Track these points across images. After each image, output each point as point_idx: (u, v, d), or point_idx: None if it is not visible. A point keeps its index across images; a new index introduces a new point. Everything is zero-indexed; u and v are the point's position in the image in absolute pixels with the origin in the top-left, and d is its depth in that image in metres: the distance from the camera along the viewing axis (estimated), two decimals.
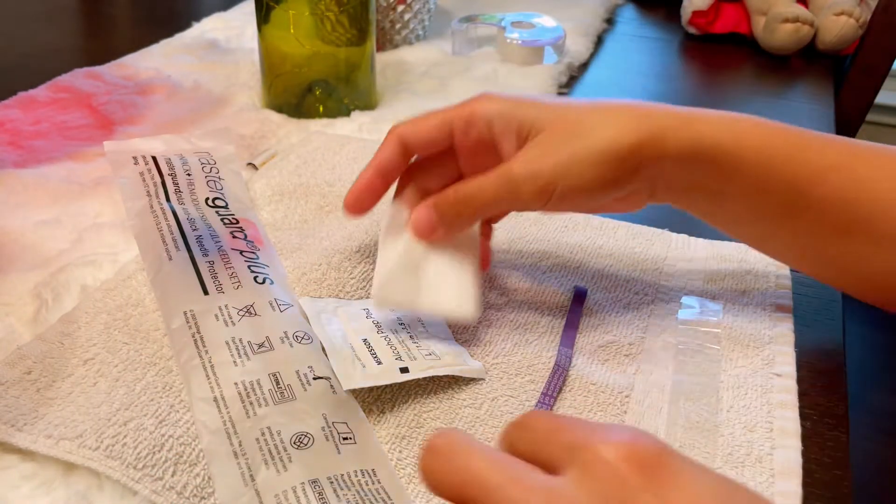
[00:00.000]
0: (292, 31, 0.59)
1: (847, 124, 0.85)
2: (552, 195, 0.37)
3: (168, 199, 0.45)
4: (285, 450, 0.32)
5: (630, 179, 0.37)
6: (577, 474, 0.21)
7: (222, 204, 0.46)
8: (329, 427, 0.33)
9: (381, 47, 0.77)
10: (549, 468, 0.22)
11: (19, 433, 0.32)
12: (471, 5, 0.91)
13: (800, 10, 0.82)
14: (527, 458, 0.23)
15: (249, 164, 0.55)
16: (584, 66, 0.81)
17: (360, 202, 0.40)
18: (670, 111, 0.38)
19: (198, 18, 0.84)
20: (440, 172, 0.41)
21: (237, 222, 0.45)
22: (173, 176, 0.47)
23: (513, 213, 0.52)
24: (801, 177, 0.37)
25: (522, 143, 0.38)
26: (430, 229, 0.39)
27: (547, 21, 0.79)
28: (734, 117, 0.38)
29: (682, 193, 0.40)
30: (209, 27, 0.82)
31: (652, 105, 0.38)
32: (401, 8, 0.75)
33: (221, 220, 0.44)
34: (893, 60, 0.83)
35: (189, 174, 0.47)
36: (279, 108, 0.63)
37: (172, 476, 0.31)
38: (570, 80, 0.77)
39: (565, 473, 0.21)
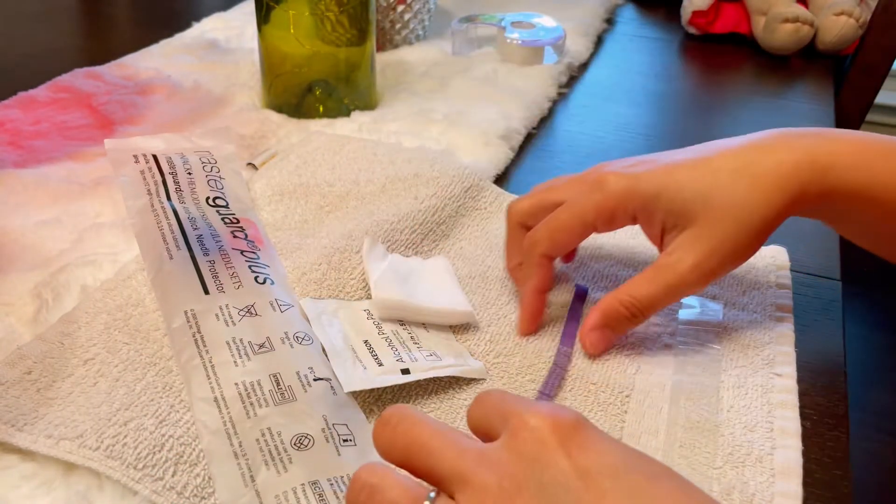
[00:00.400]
0: (292, 31, 0.59)
1: (847, 124, 0.85)
2: (717, 279, 0.39)
3: (169, 198, 0.45)
4: (286, 451, 0.32)
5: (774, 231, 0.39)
6: (505, 438, 0.24)
7: (223, 203, 0.46)
8: (329, 429, 0.33)
9: (381, 47, 0.77)
10: (491, 436, 0.25)
11: (19, 433, 0.32)
12: (471, 5, 0.91)
13: (800, 10, 0.82)
14: (477, 430, 0.26)
15: (249, 164, 0.55)
16: (584, 66, 0.81)
17: (535, 326, 0.42)
18: (806, 159, 0.37)
19: (198, 18, 0.84)
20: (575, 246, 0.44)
21: (238, 222, 0.45)
22: (174, 175, 0.47)
23: None
24: None
25: (669, 229, 0.39)
26: (606, 346, 0.40)
27: (547, 21, 0.79)
28: (870, 153, 0.38)
29: (809, 216, 0.41)
30: (209, 27, 0.82)
31: (786, 153, 0.38)
32: (401, 8, 0.75)
33: (222, 219, 0.44)
34: (893, 60, 0.83)
35: (190, 173, 0.47)
36: (279, 108, 0.63)
37: (173, 476, 0.31)
38: (570, 80, 0.77)
39: (498, 438, 0.25)
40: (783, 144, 0.38)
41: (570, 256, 0.47)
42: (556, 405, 0.25)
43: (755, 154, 0.38)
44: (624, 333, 0.41)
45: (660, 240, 0.40)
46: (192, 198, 0.45)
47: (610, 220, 0.39)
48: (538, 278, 0.41)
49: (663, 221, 0.39)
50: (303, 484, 0.31)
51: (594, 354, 0.40)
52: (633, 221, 0.40)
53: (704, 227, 0.37)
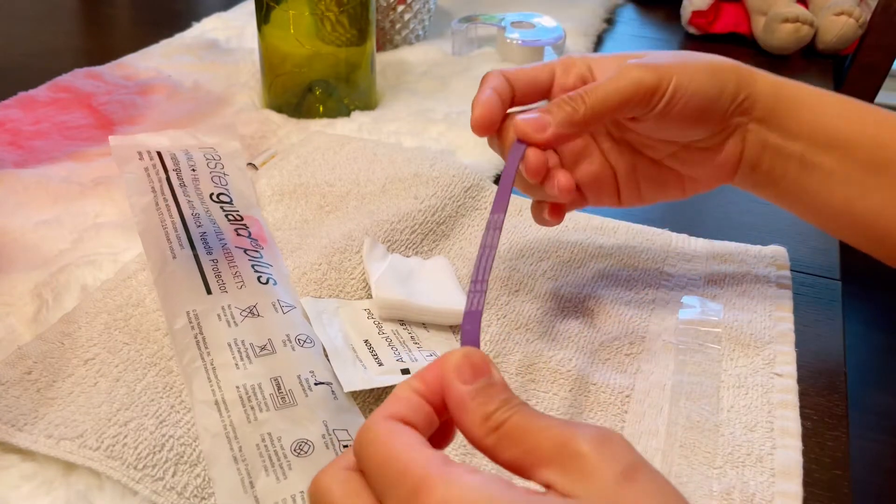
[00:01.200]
0: (292, 31, 0.59)
1: None
2: (666, 90, 0.37)
3: (173, 195, 0.45)
4: (285, 457, 0.32)
5: (729, 104, 0.39)
6: None
7: (227, 200, 0.46)
8: (329, 434, 0.33)
9: (381, 47, 0.77)
10: (376, 494, 0.22)
11: (20, 433, 0.32)
12: (471, 5, 0.91)
13: (800, 10, 0.82)
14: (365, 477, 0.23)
15: (250, 164, 0.55)
16: None
17: (489, 118, 0.38)
18: (742, 68, 0.40)
19: (198, 18, 0.84)
20: (534, 89, 0.41)
21: (241, 219, 0.45)
22: (177, 171, 0.47)
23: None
24: (886, 130, 0.39)
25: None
26: (540, 127, 0.36)
27: (547, 21, 0.79)
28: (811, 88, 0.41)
29: (769, 163, 0.40)
30: (209, 27, 0.82)
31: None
32: (401, 8, 0.75)
33: (226, 216, 0.44)
34: (893, 60, 0.83)
35: (194, 169, 0.47)
36: (279, 108, 0.63)
37: (173, 476, 0.31)
38: None
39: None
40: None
41: (559, 210, 0.41)
42: (439, 482, 0.20)
43: None
44: (560, 126, 0.36)
45: None
46: (197, 193, 0.45)
47: (567, 67, 0.40)
48: (494, 81, 0.38)
49: (617, 65, 0.38)
50: (301, 491, 0.31)
51: (521, 132, 0.36)
52: (590, 73, 0.40)
53: (655, 54, 0.39)
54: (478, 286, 0.30)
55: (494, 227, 0.32)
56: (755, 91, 0.39)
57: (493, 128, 0.38)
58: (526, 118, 0.36)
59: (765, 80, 0.40)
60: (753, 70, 0.40)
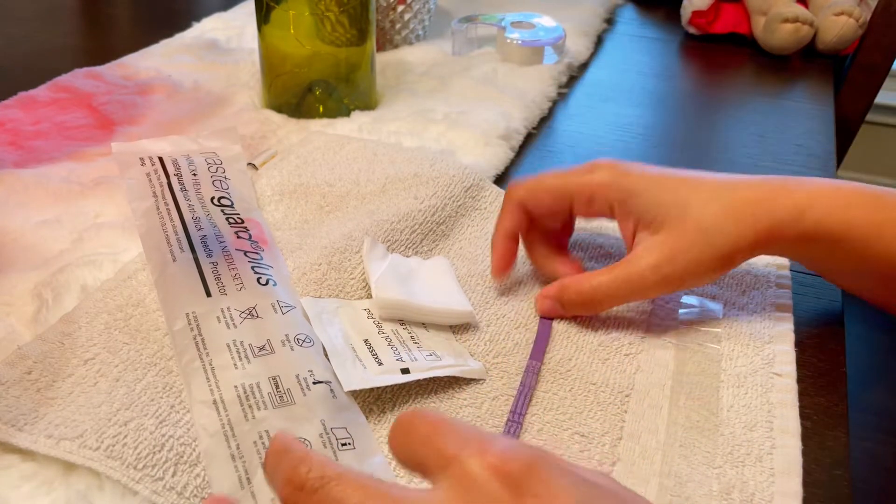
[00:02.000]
0: (292, 31, 0.59)
1: (847, 124, 0.85)
2: (676, 290, 0.41)
3: (174, 199, 0.45)
4: None
5: (741, 262, 0.41)
6: (447, 488, 0.22)
7: (228, 203, 0.46)
8: (327, 433, 0.33)
9: (381, 47, 0.77)
10: (422, 471, 0.23)
11: (20, 433, 0.32)
12: (471, 5, 0.91)
13: (800, 10, 0.82)
14: (405, 461, 0.24)
15: (250, 164, 0.55)
16: (584, 66, 0.81)
17: (504, 268, 0.44)
18: (786, 200, 0.39)
19: (198, 18, 0.84)
20: (554, 213, 0.43)
21: (242, 222, 0.45)
22: (179, 176, 0.47)
23: None
24: None
25: (641, 228, 0.41)
26: (555, 315, 0.42)
27: (547, 21, 0.79)
28: (848, 200, 0.39)
29: (789, 257, 0.44)
30: (209, 27, 0.82)
31: (767, 189, 0.39)
32: (401, 8, 0.75)
33: (227, 219, 0.44)
34: (893, 60, 0.83)
35: (195, 174, 0.47)
36: (279, 108, 0.63)
37: (173, 476, 0.31)
38: (570, 80, 0.77)
39: (437, 483, 0.22)
40: (765, 181, 0.40)
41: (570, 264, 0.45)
42: (503, 442, 0.22)
43: (738, 184, 0.40)
44: (574, 313, 0.42)
45: (631, 238, 0.41)
46: (198, 197, 0.46)
47: (588, 201, 0.41)
48: (509, 222, 0.43)
49: (637, 219, 0.40)
50: None
51: (541, 313, 0.42)
52: (611, 213, 0.41)
53: (672, 234, 0.39)
54: (515, 417, 0.36)
55: (533, 373, 0.39)
56: (775, 248, 0.40)
57: (509, 271, 0.44)
58: (544, 305, 0.42)
59: (789, 235, 0.39)
60: (779, 232, 0.39)
